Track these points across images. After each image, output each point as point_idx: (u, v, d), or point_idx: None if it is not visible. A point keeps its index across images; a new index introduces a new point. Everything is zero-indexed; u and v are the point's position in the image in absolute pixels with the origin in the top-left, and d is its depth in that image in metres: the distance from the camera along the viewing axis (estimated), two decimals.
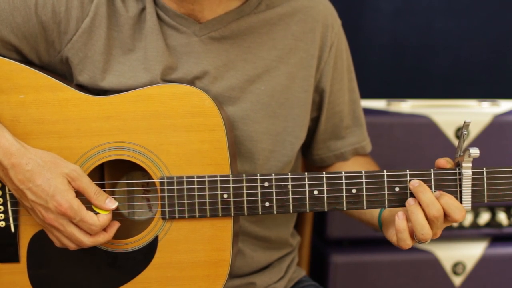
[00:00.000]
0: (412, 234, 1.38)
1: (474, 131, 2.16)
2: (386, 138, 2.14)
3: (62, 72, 1.51)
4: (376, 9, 2.57)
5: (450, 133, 2.16)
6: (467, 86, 2.66)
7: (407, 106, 2.23)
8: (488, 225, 2.24)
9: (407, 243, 1.39)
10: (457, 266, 2.20)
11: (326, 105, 1.63)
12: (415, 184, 1.38)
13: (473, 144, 2.15)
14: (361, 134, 1.71)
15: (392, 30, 2.59)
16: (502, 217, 2.23)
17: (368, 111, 2.06)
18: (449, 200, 1.36)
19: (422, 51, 2.62)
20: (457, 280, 2.21)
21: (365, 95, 1.82)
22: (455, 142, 2.15)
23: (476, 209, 2.24)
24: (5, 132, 1.38)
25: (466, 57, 2.65)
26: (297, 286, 1.72)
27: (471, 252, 2.22)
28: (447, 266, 2.20)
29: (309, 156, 1.73)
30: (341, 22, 1.66)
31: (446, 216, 1.36)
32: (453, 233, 2.24)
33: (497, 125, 2.18)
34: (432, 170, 1.40)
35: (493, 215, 2.24)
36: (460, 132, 1.38)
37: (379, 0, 2.56)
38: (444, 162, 1.41)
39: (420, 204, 1.37)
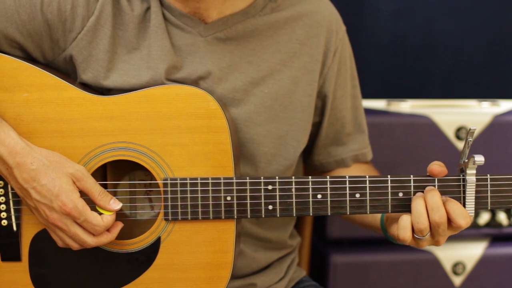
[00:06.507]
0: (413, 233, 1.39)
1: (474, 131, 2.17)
2: (386, 138, 2.14)
3: (66, 70, 1.51)
4: (376, 9, 2.56)
5: (450, 133, 2.16)
6: (467, 86, 2.67)
7: (407, 106, 2.23)
8: (488, 225, 2.24)
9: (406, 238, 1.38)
10: (457, 266, 2.21)
11: (329, 111, 1.63)
12: (429, 188, 1.39)
13: (473, 144, 2.15)
14: (362, 141, 1.71)
15: (392, 30, 2.59)
16: (502, 217, 2.23)
17: (368, 111, 2.06)
18: (454, 205, 1.36)
19: (422, 51, 2.62)
20: (457, 280, 2.22)
21: (365, 95, 1.81)
22: (455, 142, 2.16)
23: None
24: (10, 131, 1.37)
25: (466, 57, 2.65)
26: (297, 286, 1.72)
27: (471, 252, 2.23)
28: (447, 266, 2.21)
29: (309, 162, 1.73)
30: (345, 28, 1.66)
31: (450, 222, 1.36)
32: None
33: (497, 125, 2.19)
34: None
35: (493, 215, 2.24)
36: (465, 139, 1.38)
37: (379, 0, 2.56)
38: (437, 172, 1.40)
39: (426, 207, 1.37)
